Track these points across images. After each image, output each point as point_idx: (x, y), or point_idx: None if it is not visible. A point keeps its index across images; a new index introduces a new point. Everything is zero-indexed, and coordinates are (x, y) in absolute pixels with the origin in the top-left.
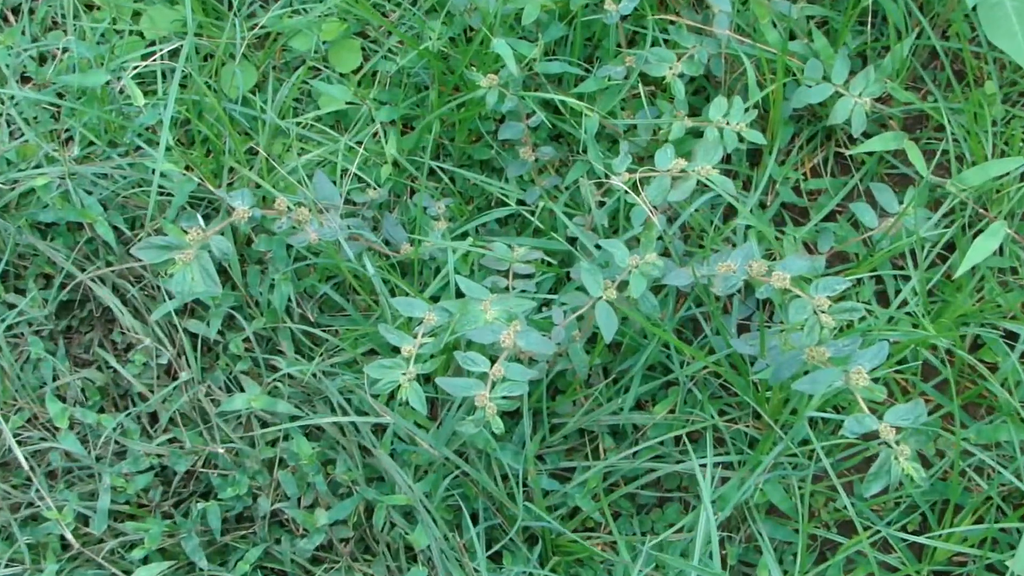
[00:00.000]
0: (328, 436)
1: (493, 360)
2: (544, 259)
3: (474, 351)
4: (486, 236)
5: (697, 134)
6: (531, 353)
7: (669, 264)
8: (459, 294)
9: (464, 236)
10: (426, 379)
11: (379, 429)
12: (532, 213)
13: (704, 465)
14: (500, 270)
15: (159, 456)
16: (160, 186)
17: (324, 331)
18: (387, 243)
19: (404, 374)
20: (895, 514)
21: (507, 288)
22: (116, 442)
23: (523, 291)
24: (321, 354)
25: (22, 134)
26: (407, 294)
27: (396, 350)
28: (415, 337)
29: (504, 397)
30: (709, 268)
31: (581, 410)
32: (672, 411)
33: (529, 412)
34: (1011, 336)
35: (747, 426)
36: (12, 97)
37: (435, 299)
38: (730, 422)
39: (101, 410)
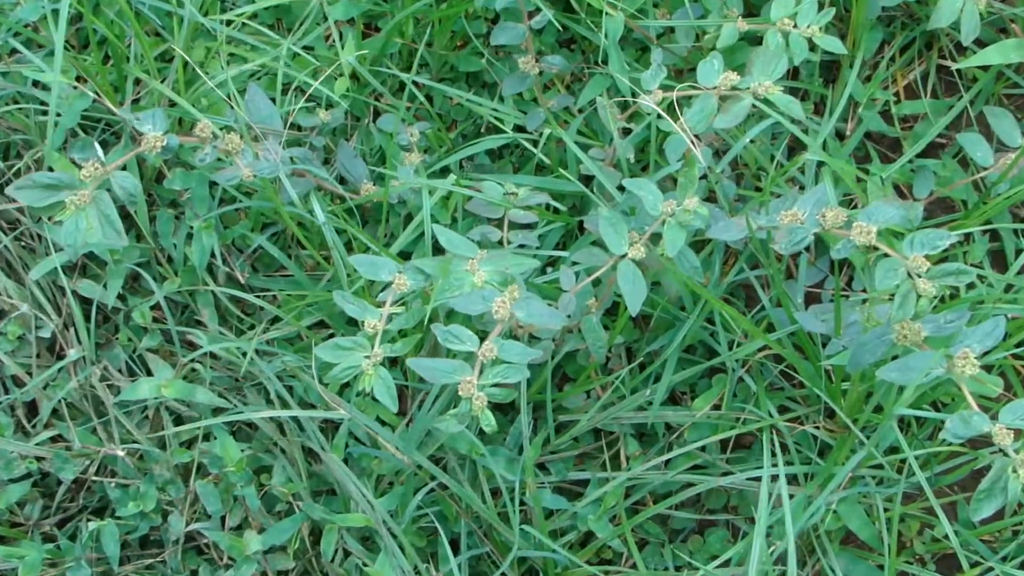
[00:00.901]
0: (263, 435)
1: (483, 337)
2: (550, 204)
3: (458, 324)
4: (474, 173)
5: (754, 40)
6: (532, 328)
7: (715, 212)
8: (438, 250)
9: (445, 173)
10: (393, 363)
11: (330, 427)
12: (535, 143)
13: (759, 478)
14: (492, 218)
15: (38, 460)
16: (42, 102)
17: (259, 297)
18: (342, 181)
19: (366, 356)
20: (1012, 546)
21: (501, 242)
22: None
23: (522, 246)
24: (255, 328)
25: None
26: (369, 249)
27: (355, 324)
28: (380, 307)
29: (496, 385)
30: (768, 218)
31: (597, 404)
32: (717, 406)
33: (528, 406)
34: None
35: (816, 427)
36: None
37: (406, 256)
38: (794, 422)
39: None
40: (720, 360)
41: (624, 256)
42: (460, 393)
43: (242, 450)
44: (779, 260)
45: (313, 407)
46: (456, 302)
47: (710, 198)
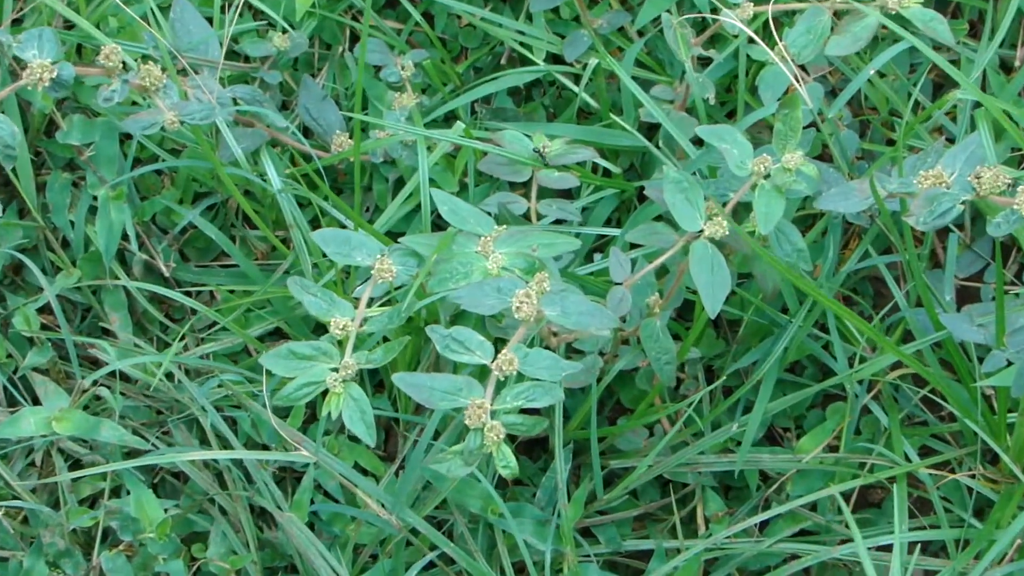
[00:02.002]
0: (195, 488)
1: (499, 345)
2: (597, 164)
3: (465, 326)
4: (491, 121)
5: None
6: (570, 335)
7: (828, 173)
8: (439, 227)
9: (450, 121)
10: (379, 387)
11: (290, 476)
12: (576, 79)
13: (890, 547)
14: (516, 182)
15: None
16: None
17: (190, 295)
18: (307, 133)
19: (333, 369)
20: None
21: (528, 215)
22: None
23: (558, 222)
24: (183, 338)
25: None
26: (342, 225)
27: (321, 328)
28: (355, 304)
29: (520, 411)
30: (902, 181)
31: (662, 443)
32: (833, 447)
33: (567, 448)
34: None
35: (971, 476)
36: None
37: (394, 236)
38: (940, 468)
39: None
40: (836, 382)
41: (699, 235)
42: (467, 422)
43: (165, 509)
44: (919, 242)
45: (266, 448)
46: (462, 295)
47: (822, 155)
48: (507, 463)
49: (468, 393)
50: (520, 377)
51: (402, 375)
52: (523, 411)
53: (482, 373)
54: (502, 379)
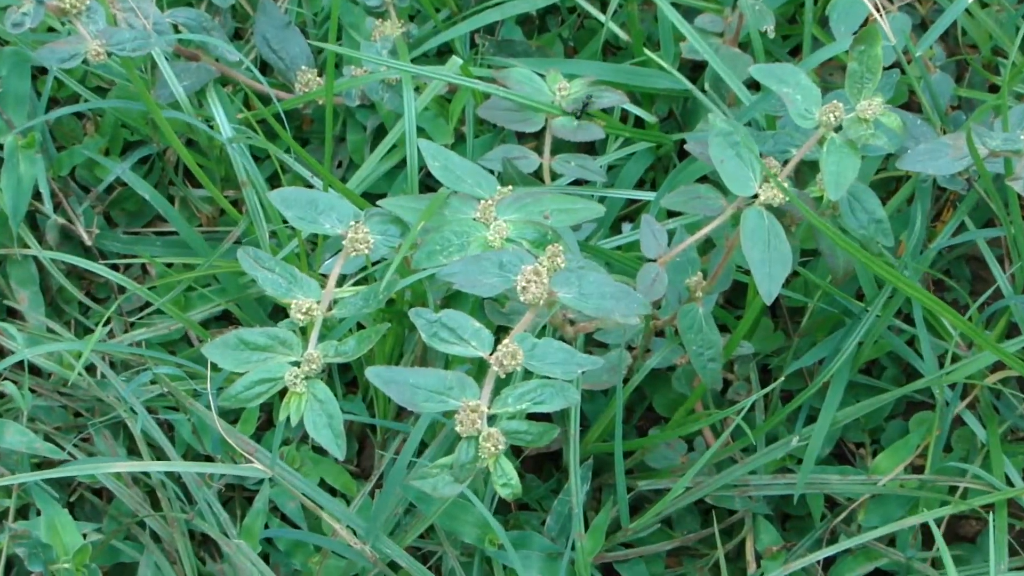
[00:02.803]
0: (122, 509)
1: (501, 335)
2: (628, 111)
3: (457, 310)
4: (496, 56)
5: None
6: (589, 323)
7: (915, 126)
8: (427, 186)
9: (443, 57)
10: (351, 385)
11: (240, 496)
12: (602, 5)
13: None
14: (524, 132)
15: None
16: None
17: (116, 268)
18: (265, 69)
19: (293, 363)
20: None
21: (539, 174)
22: None
23: (577, 182)
24: (108, 320)
25: None
26: (308, 184)
27: (280, 312)
28: (323, 282)
29: (526, 417)
30: (1007, 137)
31: (704, 460)
32: (917, 468)
33: (584, 465)
34: None
35: None
36: None
37: (372, 197)
38: None
39: None
40: (922, 387)
41: (753, 200)
42: (459, 429)
43: (84, 534)
44: None
45: (210, 460)
46: (455, 272)
47: (908, 103)
48: (507, 481)
49: (460, 393)
50: (526, 374)
51: (378, 369)
52: (529, 417)
53: (479, 369)
54: (503, 376)
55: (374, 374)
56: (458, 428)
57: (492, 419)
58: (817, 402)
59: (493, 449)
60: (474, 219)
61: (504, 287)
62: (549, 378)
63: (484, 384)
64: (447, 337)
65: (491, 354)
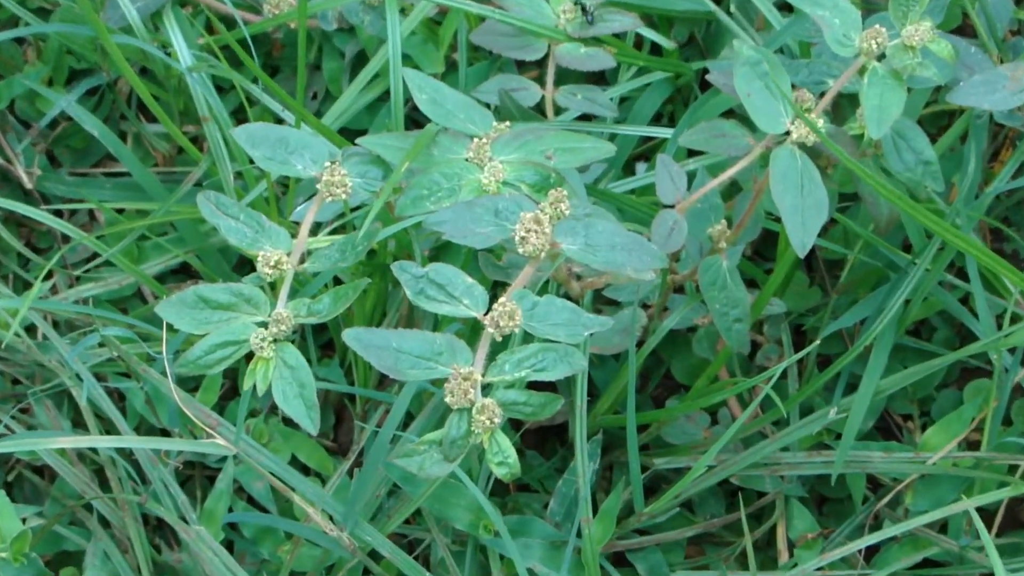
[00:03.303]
0: (66, 490)
1: (498, 292)
2: (643, 36)
3: (447, 263)
4: None
5: None
6: (599, 279)
7: (969, 54)
8: (415, 121)
9: None
10: (327, 349)
11: (200, 475)
12: None
13: None
14: (525, 61)
15: None
16: None
17: (60, 214)
18: None
19: (260, 323)
20: None
21: (541, 108)
22: None
23: (584, 117)
24: (50, 274)
25: None
26: (279, 120)
27: (247, 265)
28: (294, 231)
29: (526, 386)
30: None
31: (728, 432)
32: (972, 443)
33: (592, 441)
34: None
35: None
36: None
37: (351, 134)
38: None
39: None
40: (978, 351)
41: (784, 139)
42: (449, 400)
43: (24, 519)
44: None
45: (166, 434)
46: (444, 219)
47: (961, 28)
48: (504, 459)
49: (450, 358)
50: (527, 337)
51: (356, 331)
52: (530, 385)
53: (472, 331)
54: (499, 339)
55: (352, 337)
56: (448, 399)
57: (487, 388)
58: (858, 368)
59: (488, 423)
60: (466, 160)
61: (500, 237)
62: (551, 341)
63: (478, 348)
64: (435, 295)
65: (485, 314)
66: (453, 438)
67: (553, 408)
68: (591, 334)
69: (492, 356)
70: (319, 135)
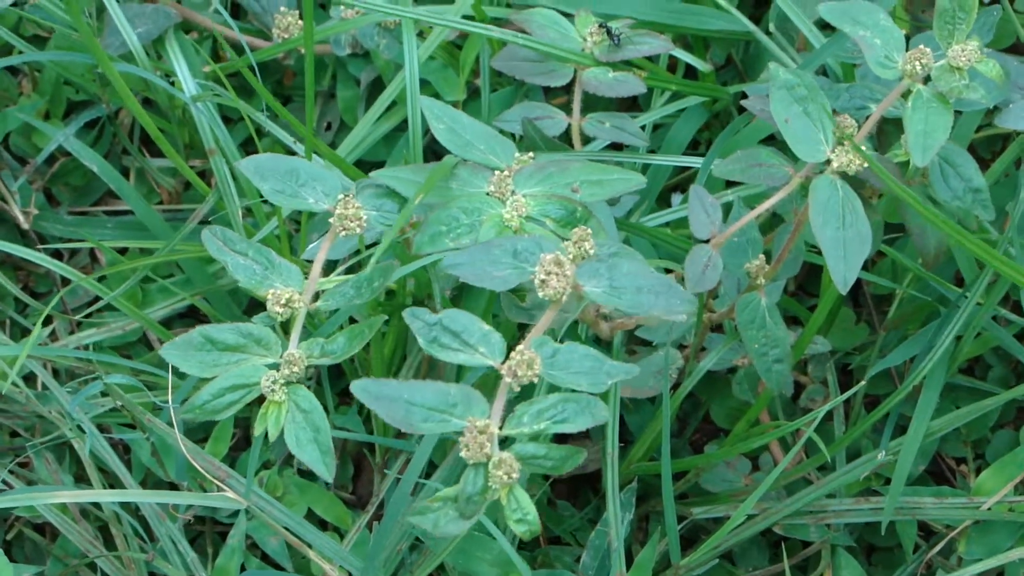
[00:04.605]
0: (67, 548)
1: (514, 339)
2: (677, 58)
3: (468, 306)
4: None
5: None
6: (629, 319)
7: (1020, 72)
8: (434, 153)
9: None
10: (343, 396)
11: (209, 528)
12: None
13: None
14: (550, 87)
15: None
16: None
17: (59, 255)
18: (236, 11)
19: (271, 366)
20: None
21: (567, 137)
22: None
23: (613, 147)
24: (50, 319)
25: None
26: (290, 151)
27: (257, 306)
28: (306, 270)
29: (549, 440)
30: None
31: (769, 478)
32: None
33: (624, 488)
34: None
35: None
36: None
37: (367, 167)
38: None
39: None
40: None
41: (825, 167)
42: (465, 455)
43: None
44: None
45: (174, 488)
46: (460, 262)
47: (1014, 47)
48: (523, 516)
49: (466, 410)
50: (550, 388)
51: (365, 382)
52: (556, 437)
53: (486, 379)
54: (517, 389)
55: (361, 389)
56: (463, 453)
57: (504, 442)
58: (908, 409)
59: (505, 478)
60: (487, 194)
61: (519, 280)
62: (574, 391)
63: (495, 399)
64: (450, 343)
65: (503, 363)
66: (469, 494)
67: (575, 461)
68: (615, 381)
69: (511, 407)
70: (332, 167)
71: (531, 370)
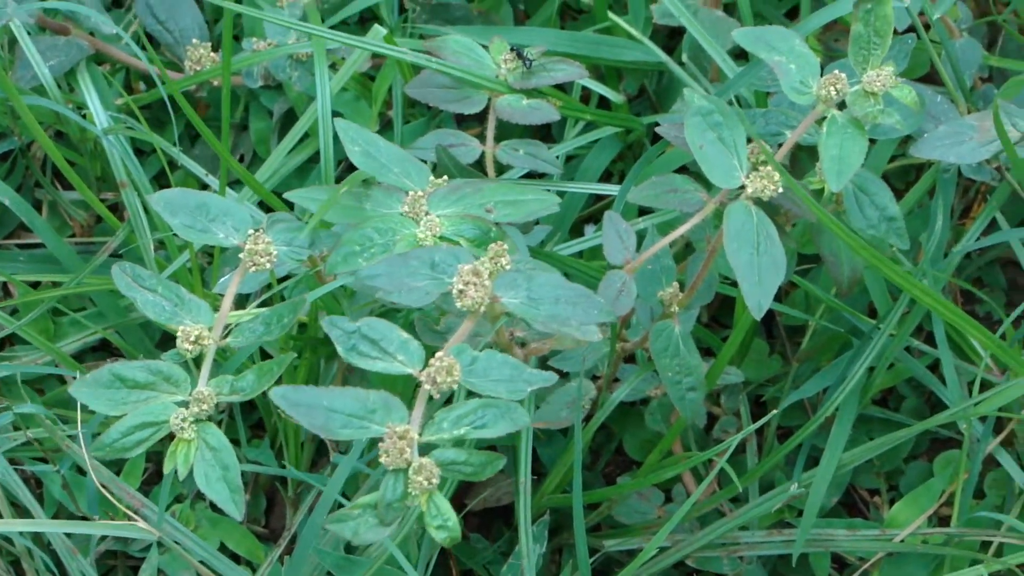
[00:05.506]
0: None
1: (432, 350)
2: (590, 88)
3: (381, 319)
4: (430, 25)
5: None
6: (543, 343)
7: (935, 104)
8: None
9: (366, 24)
10: (255, 425)
11: (121, 562)
12: None
13: None
14: (464, 114)
15: None
16: None
17: None
18: (150, 42)
19: (184, 404)
20: None
21: (481, 163)
22: None
23: (529, 176)
24: None
25: None
26: (203, 184)
27: (172, 340)
28: (217, 305)
29: (469, 447)
30: None
31: (682, 510)
32: (943, 519)
33: (537, 520)
34: None
35: None
36: None
37: (276, 193)
38: None
39: None
40: (947, 420)
41: (739, 194)
42: (384, 460)
43: None
44: None
45: (85, 520)
46: (378, 273)
47: (930, 77)
48: (443, 522)
49: (385, 416)
50: (466, 394)
51: (284, 389)
52: (480, 446)
53: (405, 385)
54: (437, 396)
55: (280, 395)
56: (383, 459)
57: (424, 448)
58: (821, 441)
59: (425, 483)
60: (401, 214)
61: (438, 291)
62: (493, 398)
63: (414, 406)
64: (368, 351)
65: (422, 370)
66: (389, 501)
67: (495, 468)
68: (533, 389)
69: (430, 414)
70: (243, 200)
71: (450, 376)
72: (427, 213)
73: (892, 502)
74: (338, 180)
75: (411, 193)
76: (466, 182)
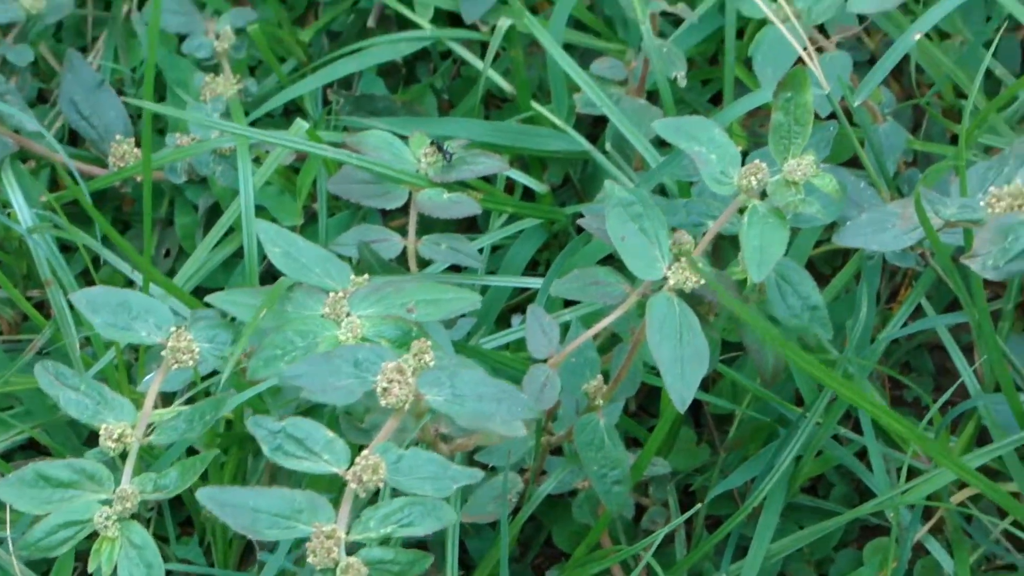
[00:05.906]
0: None
1: (358, 447)
2: (513, 179)
3: (306, 417)
4: (354, 116)
5: None
6: (468, 439)
7: (857, 191)
8: (273, 277)
9: (290, 117)
10: (183, 523)
11: None
12: (481, 50)
13: None
14: (386, 209)
15: None
16: None
17: None
18: (74, 138)
19: (107, 503)
20: None
21: (404, 259)
22: None
23: (451, 269)
24: None
25: None
26: (129, 281)
27: (92, 437)
28: (141, 403)
29: (396, 545)
30: (964, 204)
31: None
32: None
33: None
34: None
35: None
36: None
37: (204, 293)
38: None
39: None
40: (875, 508)
41: (662, 285)
42: (310, 560)
43: None
44: (996, 293)
45: None
46: (301, 372)
47: (854, 162)
48: None
49: (312, 516)
50: (392, 492)
51: (211, 490)
52: (405, 542)
53: (332, 485)
54: (363, 495)
55: (206, 496)
56: (310, 559)
57: (351, 547)
58: (750, 530)
59: None
60: (322, 316)
61: (362, 390)
62: (419, 496)
63: (341, 505)
64: (294, 450)
65: (348, 469)
66: None
67: (423, 566)
68: (460, 486)
69: (357, 513)
70: (164, 298)
71: (376, 475)
72: (348, 314)
73: None
74: (263, 274)
75: (332, 295)
76: (387, 281)
